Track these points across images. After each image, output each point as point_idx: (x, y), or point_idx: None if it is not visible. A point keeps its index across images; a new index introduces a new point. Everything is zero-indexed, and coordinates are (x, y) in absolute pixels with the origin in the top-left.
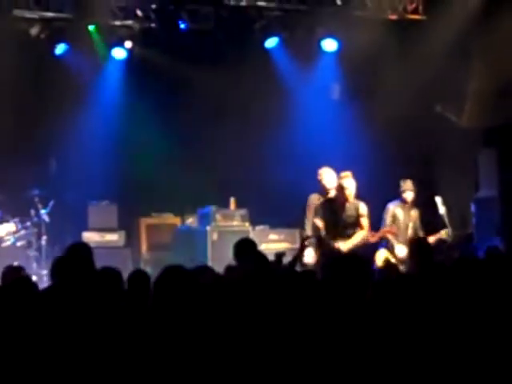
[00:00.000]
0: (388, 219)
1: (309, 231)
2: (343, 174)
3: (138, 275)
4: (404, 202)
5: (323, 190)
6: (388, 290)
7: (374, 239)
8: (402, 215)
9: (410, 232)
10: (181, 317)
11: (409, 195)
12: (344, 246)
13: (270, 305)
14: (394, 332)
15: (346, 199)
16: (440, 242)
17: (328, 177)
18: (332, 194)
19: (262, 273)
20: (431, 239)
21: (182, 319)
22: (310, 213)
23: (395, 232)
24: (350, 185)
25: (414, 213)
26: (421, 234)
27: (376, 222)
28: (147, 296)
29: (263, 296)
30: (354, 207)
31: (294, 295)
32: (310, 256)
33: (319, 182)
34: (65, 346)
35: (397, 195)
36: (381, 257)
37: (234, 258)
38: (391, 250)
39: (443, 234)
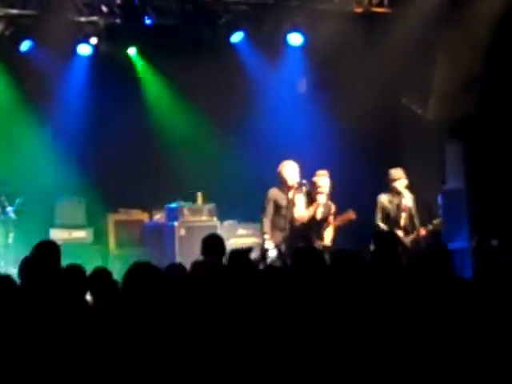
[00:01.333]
0: (379, 211)
1: (266, 227)
2: (319, 172)
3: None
4: (393, 191)
5: (282, 184)
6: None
7: (335, 224)
8: (389, 205)
9: (402, 222)
10: (149, 312)
11: (399, 185)
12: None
13: (237, 300)
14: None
15: (316, 199)
16: (433, 232)
17: (289, 170)
18: (292, 188)
19: (229, 268)
20: (422, 231)
21: (150, 314)
22: (269, 207)
23: (351, 218)
24: (324, 184)
25: (406, 201)
26: (416, 222)
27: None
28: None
29: (230, 291)
30: (328, 208)
31: (261, 290)
32: (271, 247)
33: (279, 174)
34: (33, 343)
35: (369, 184)
36: None
37: (201, 253)
38: None
39: (433, 224)
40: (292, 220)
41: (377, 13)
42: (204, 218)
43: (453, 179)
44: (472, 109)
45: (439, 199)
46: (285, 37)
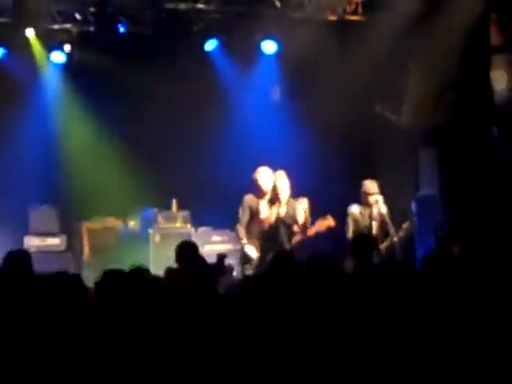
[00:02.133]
0: (350, 226)
1: (241, 233)
2: (276, 173)
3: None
4: (364, 203)
5: (258, 191)
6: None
7: (311, 233)
8: (360, 216)
9: (374, 232)
10: (121, 319)
11: (373, 199)
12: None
13: (211, 307)
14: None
15: (278, 199)
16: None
17: (264, 177)
18: (268, 194)
19: (203, 275)
20: (395, 238)
21: (121, 321)
22: (244, 214)
23: (331, 225)
24: (283, 183)
25: (379, 209)
26: (390, 230)
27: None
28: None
29: (203, 298)
30: (292, 206)
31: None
32: (253, 252)
33: (254, 181)
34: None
35: (342, 193)
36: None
37: (175, 260)
38: None
39: (403, 229)
40: (260, 224)
41: (351, 21)
42: (178, 224)
43: (426, 186)
44: (445, 116)
45: (413, 206)
46: (258, 45)
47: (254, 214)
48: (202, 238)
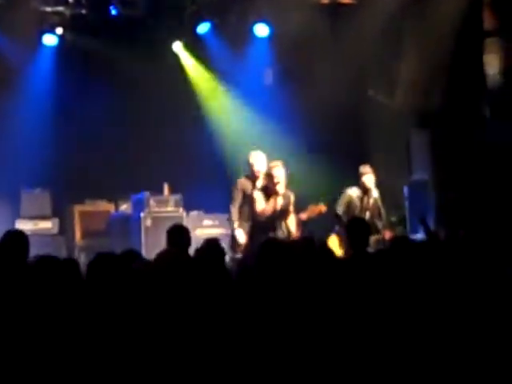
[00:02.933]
0: (342, 205)
1: (234, 215)
2: (273, 163)
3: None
4: (362, 187)
5: (252, 174)
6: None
7: (303, 218)
8: (358, 203)
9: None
10: (113, 302)
11: (368, 178)
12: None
13: (201, 290)
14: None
15: (275, 191)
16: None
17: (258, 160)
18: (260, 178)
19: (194, 259)
20: (388, 234)
21: (114, 305)
22: (237, 196)
23: (322, 210)
24: (280, 174)
25: (373, 200)
26: (379, 224)
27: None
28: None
29: (193, 282)
30: (288, 197)
31: (225, 281)
32: (242, 237)
33: (249, 165)
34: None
35: (335, 177)
36: (332, 242)
37: (166, 244)
38: (340, 235)
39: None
40: (254, 215)
41: (343, 4)
42: (170, 208)
43: (419, 170)
44: (438, 99)
45: (405, 190)
46: (251, 28)
47: (248, 199)
48: (194, 221)
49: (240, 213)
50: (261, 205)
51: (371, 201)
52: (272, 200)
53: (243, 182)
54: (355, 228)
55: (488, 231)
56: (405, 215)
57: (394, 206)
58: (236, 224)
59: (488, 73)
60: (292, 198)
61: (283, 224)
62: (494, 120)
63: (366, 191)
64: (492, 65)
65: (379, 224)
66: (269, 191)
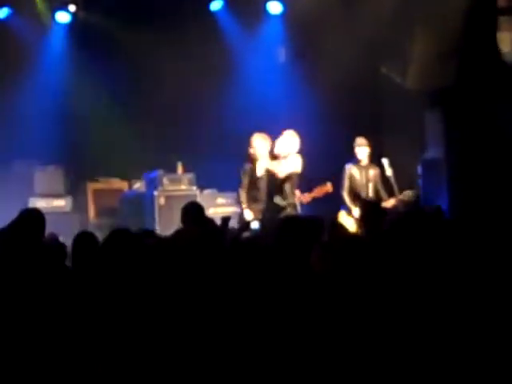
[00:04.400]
0: (346, 180)
1: (243, 197)
2: (285, 132)
3: (84, 237)
4: (359, 161)
5: (254, 156)
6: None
7: (306, 200)
8: (358, 175)
9: (370, 192)
10: (128, 280)
11: (361, 151)
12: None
13: (217, 268)
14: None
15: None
16: (401, 203)
17: (259, 143)
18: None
19: (209, 236)
20: (391, 202)
21: (129, 282)
22: (244, 179)
23: (329, 191)
24: (285, 141)
25: (373, 171)
26: (382, 193)
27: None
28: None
29: (209, 259)
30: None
31: (242, 260)
32: (249, 215)
33: (252, 147)
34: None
35: (348, 156)
36: (342, 218)
37: (181, 222)
38: (349, 211)
39: (403, 195)
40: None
41: None
42: (183, 186)
43: (432, 148)
44: (452, 78)
45: (418, 169)
46: (264, 5)
47: (254, 179)
48: (207, 200)
49: (249, 195)
50: (260, 171)
51: (371, 172)
52: (271, 163)
53: (250, 166)
54: (369, 211)
55: (501, 210)
56: (418, 194)
57: (408, 184)
58: (245, 205)
59: (501, 51)
60: (298, 162)
61: (287, 187)
62: (507, 98)
63: (362, 162)
64: (505, 43)
65: (382, 193)
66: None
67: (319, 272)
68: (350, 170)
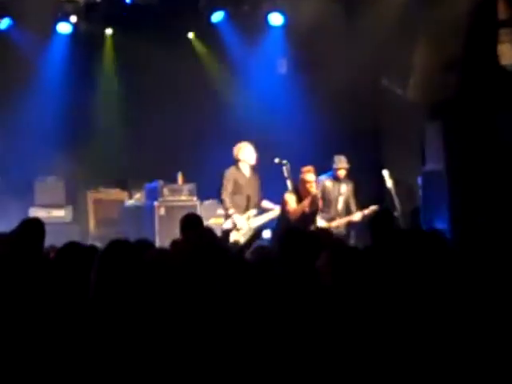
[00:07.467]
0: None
1: (228, 203)
2: (305, 168)
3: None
4: (336, 176)
5: (241, 165)
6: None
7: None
8: (331, 188)
9: (340, 206)
10: (126, 290)
11: (342, 173)
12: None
13: (216, 279)
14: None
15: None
16: (366, 217)
17: (245, 152)
18: (248, 167)
19: (208, 247)
20: (358, 215)
21: (126, 293)
22: (228, 185)
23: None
24: (312, 179)
25: (347, 186)
26: (353, 208)
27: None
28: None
29: (208, 270)
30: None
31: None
32: (241, 221)
33: (237, 156)
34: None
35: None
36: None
37: (180, 232)
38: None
39: (369, 209)
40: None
41: None
42: (184, 197)
43: (433, 160)
44: (453, 90)
45: (419, 180)
46: (265, 17)
47: (239, 186)
48: (207, 211)
49: (233, 202)
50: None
51: (343, 186)
52: (306, 200)
53: (233, 172)
54: (378, 221)
55: (504, 221)
56: (418, 206)
57: (408, 196)
58: (232, 210)
59: (502, 63)
60: (320, 203)
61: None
62: (507, 111)
63: (338, 180)
64: (506, 55)
65: (353, 207)
66: (300, 194)
67: (325, 280)
68: (324, 182)
